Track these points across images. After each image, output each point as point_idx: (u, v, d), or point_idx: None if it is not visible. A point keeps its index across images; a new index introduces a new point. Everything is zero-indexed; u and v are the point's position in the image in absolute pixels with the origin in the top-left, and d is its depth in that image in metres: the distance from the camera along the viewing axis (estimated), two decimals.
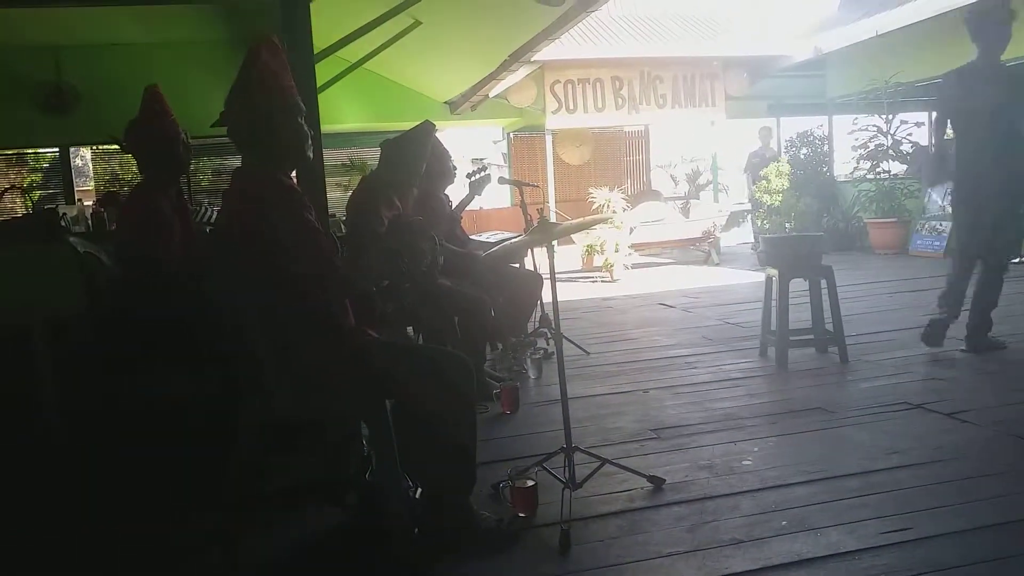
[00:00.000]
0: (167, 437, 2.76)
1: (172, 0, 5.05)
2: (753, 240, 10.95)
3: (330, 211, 4.59)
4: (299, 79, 3.05)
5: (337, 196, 11.12)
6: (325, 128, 9.45)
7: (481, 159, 23.24)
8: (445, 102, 12.15)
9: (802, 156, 12.05)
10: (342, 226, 4.98)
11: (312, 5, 4.95)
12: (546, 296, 3.16)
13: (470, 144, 21.14)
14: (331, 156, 13.61)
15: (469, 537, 2.37)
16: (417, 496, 2.48)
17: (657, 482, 2.78)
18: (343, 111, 11.16)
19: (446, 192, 4.80)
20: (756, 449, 3.13)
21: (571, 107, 11.37)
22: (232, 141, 2.26)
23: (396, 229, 3.43)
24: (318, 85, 9.40)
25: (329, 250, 2.20)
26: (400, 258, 2.29)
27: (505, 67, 9.07)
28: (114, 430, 2.96)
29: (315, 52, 7.09)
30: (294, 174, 3.11)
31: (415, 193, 4.94)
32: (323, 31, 7.75)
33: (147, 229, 3.10)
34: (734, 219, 11.79)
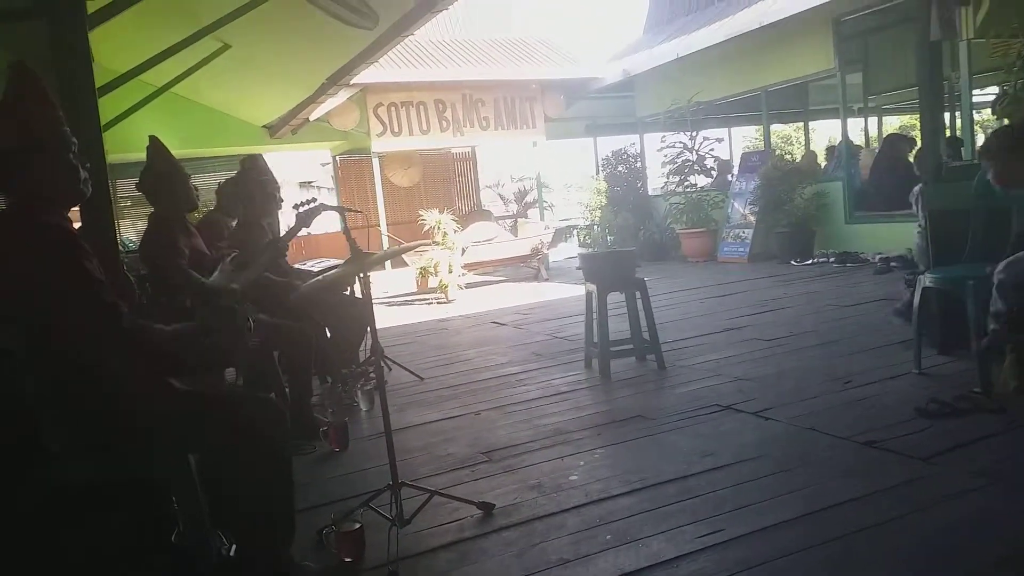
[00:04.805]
0: None
1: None
2: None
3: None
4: (79, 109, 2.81)
5: None
6: (133, 156, 8.81)
7: (309, 183, 22.63)
8: (263, 126, 11.71)
9: (619, 173, 12.69)
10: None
11: (103, 28, 4.60)
12: (378, 323, 3.09)
13: (296, 168, 20.54)
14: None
15: None
16: (232, 553, 2.32)
17: (487, 508, 2.77)
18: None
19: (269, 222, 4.60)
20: (582, 463, 3.21)
21: (396, 130, 11.32)
22: None
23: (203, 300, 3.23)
24: (121, 111, 8.75)
25: (110, 300, 1.99)
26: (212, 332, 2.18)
27: (323, 90, 8.85)
28: None
29: (111, 78, 6.63)
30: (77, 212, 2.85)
31: (217, 216, 4.71)
32: (121, 55, 7.25)
33: None
34: (560, 235, 12.19)
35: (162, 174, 3.62)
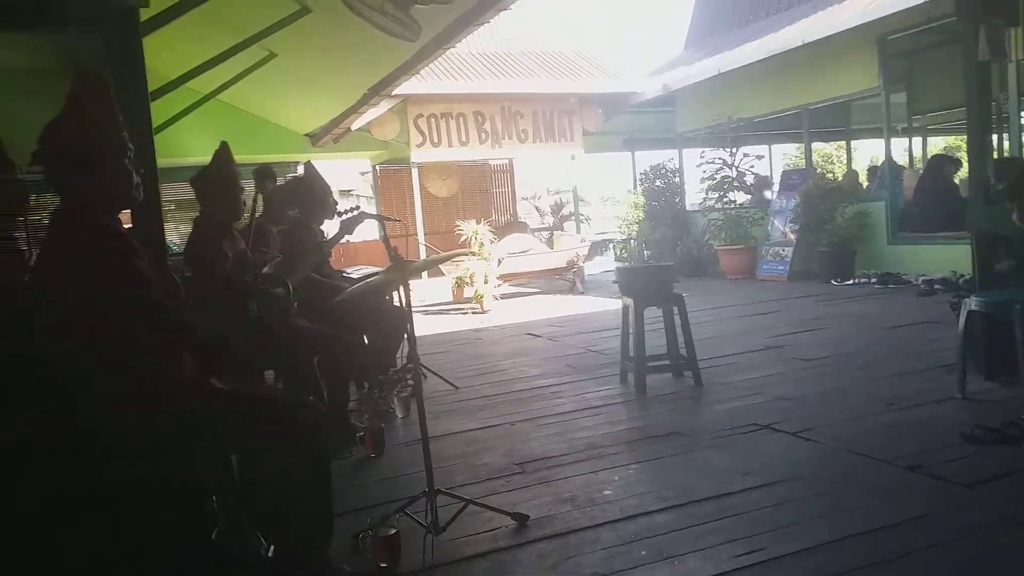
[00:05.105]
0: None
1: None
2: None
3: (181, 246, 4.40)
4: (131, 115, 2.89)
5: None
6: (178, 161, 8.99)
7: (348, 191, 22.93)
8: (306, 135, 11.90)
9: (657, 187, 12.66)
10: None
11: (154, 36, 4.73)
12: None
13: (337, 176, 20.82)
14: (185, 189, 12.99)
15: None
16: (270, 554, 2.34)
17: (521, 519, 2.76)
18: (197, 143, 10.67)
19: (320, 227, 4.70)
20: (616, 478, 3.19)
21: (435, 140, 11.42)
22: (49, 181, 2.08)
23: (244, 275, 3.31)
24: (168, 117, 8.96)
25: (159, 298, 2.05)
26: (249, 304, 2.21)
27: (365, 101, 8.99)
28: None
29: (160, 84, 6.80)
30: (128, 214, 2.93)
31: (263, 222, 4.81)
32: (170, 63, 7.42)
33: None
34: (596, 249, 12.17)
35: (225, 179, 3.69)
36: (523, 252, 10.94)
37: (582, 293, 10.59)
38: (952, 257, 8.02)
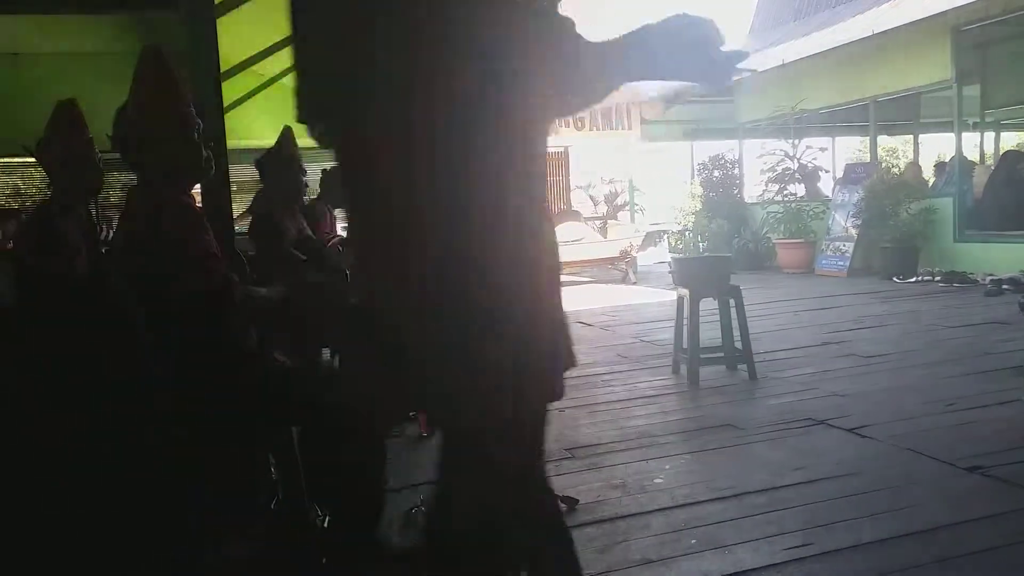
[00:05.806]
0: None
1: (74, 10, 4.83)
2: None
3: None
4: (204, 94, 2.98)
5: None
6: (242, 143, 9.17)
7: None
8: None
9: (715, 178, 12.48)
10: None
11: (222, 20, 4.85)
12: None
13: None
14: (248, 172, 13.30)
15: (379, 566, 2.31)
16: (326, 524, 2.41)
17: (570, 503, 2.78)
18: (260, 127, 10.90)
19: None
20: (668, 467, 3.18)
21: None
22: (123, 160, 2.17)
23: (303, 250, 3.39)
24: (232, 100, 9.16)
25: (227, 272, 2.12)
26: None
27: None
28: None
29: (226, 67, 6.95)
30: (197, 190, 3.03)
31: (319, 203, 4.94)
32: (236, 46, 7.58)
33: (48, 251, 2.93)
34: (650, 239, 12.06)
35: (288, 161, 3.81)
36: (576, 241, 10.90)
37: (634, 283, 10.53)
38: (1022, 256, 7.74)
